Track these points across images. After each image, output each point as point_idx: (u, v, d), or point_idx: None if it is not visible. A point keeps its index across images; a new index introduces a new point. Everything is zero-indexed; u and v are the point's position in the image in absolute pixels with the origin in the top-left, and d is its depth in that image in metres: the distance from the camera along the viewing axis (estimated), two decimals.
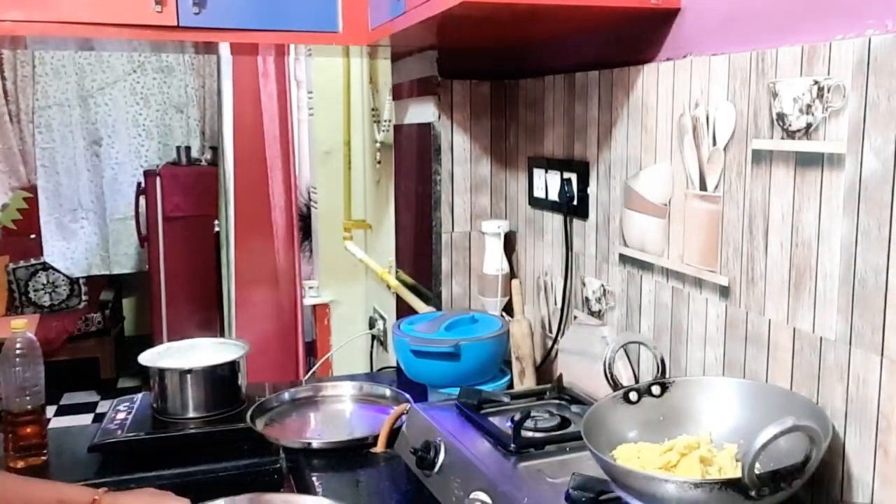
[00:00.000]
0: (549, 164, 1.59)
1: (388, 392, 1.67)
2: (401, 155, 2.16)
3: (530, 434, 1.16)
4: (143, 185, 4.56)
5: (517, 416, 1.15)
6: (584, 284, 1.50)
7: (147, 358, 1.63)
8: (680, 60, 1.17)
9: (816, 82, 0.91)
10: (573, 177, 1.50)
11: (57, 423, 4.21)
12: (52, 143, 4.90)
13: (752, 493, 0.79)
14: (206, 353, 1.67)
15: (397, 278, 2.23)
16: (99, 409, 4.50)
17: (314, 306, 3.16)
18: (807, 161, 0.94)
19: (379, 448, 1.39)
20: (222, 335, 3.29)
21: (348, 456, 1.38)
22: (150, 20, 1.49)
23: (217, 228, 3.92)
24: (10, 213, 4.92)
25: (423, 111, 1.88)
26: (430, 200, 1.84)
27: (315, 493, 1.26)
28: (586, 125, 1.45)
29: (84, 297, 4.92)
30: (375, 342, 2.71)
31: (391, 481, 1.31)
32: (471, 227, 1.82)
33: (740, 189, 1.06)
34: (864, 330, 0.88)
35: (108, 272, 5.05)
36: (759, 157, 1.02)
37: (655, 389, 1.06)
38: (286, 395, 1.66)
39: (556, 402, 1.34)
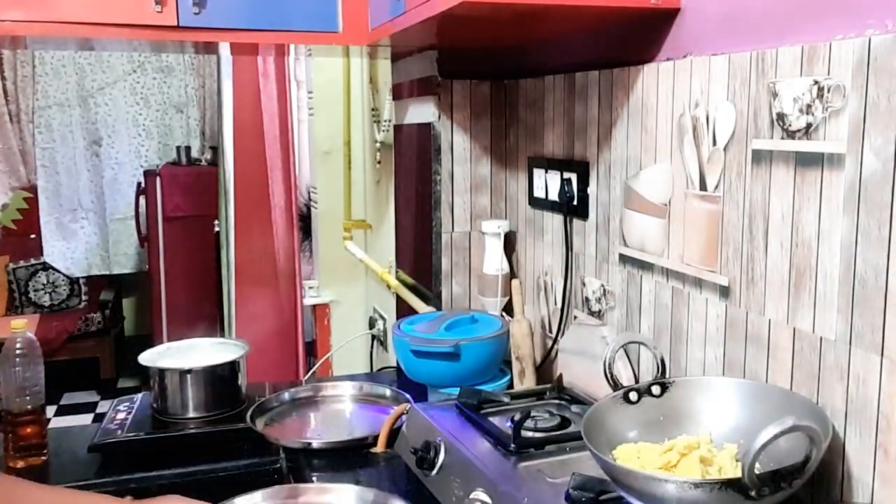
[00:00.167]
0: (549, 164, 1.59)
1: (388, 392, 1.67)
2: (401, 155, 2.16)
3: (530, 434, 1.16)
4: (143, 185, 4.56)
5: (517, 416, 1.15)
6: (584, 284, 1.50)
7: (147, 358, 1.63)
8: (680, 60, 1.17)
9: (816, 82, 0.92)
10: (573, 177, 1.50)
11: (57, 423, 4.21)
12: (52, 143, 4.90)
13: (752, 493, 0.79)
14: (206, 353, 1.67)
15: (397, 278, 2.23)
16: (99, 409, 4.50)
17: (314, 306, 3.16)
18: (807, 161, 0.94)
19: (379, 448, 1.39)
20: (222, 335, 3.29)
21: (348, 456, 1.38)
22: (150, 20, 1.49)
23: (217, 228, 3.92)
24: (10, 213, 4.92)
25: (423, 111, 1.88)
26: (430, 200, 1.84)
27: None
28: (586, 125, 1.45)
29: (84, 297, 4.92)
30: (375, 342, 2.71)
31: (391, 481, 1.30)
32: (471, 227, 1.82)
33: (740, 189, 1.06)
34: (864, 330, 0.88)
35: (108, 272, 5.05)
36: (759, 157, 1.02)
37: (655, 389, 1.06)
38: (286, 395, 1.66)
39: (556, 402, 1.34)
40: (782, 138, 0.97)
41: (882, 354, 0.85)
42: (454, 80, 1.76)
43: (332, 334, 3.11)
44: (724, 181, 1.09)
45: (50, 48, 3.96)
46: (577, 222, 1.51)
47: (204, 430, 1.52)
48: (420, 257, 1.98)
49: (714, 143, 1.10)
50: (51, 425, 1.49)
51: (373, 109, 2.66)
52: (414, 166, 2.00)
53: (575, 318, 1.54)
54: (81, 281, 4.93)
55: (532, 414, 1.22)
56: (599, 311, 1.45)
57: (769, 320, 1.02)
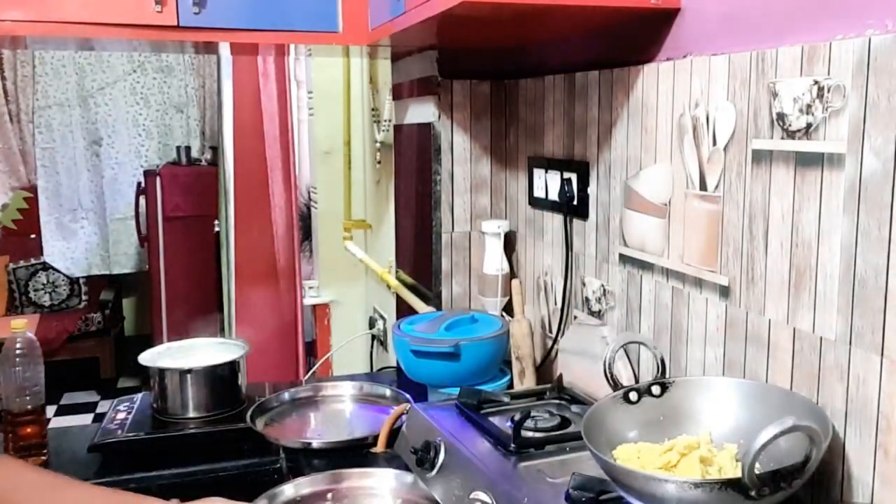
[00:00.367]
0: (549, 164, 1.59)
1: (388, 392, 1.67)
2: (401, 155, 2.16)
3: (530, 434, 1.16)
4: (143, 184, 4.56)
5: (517, 416, 1.15)
6: (584, 284, 1.50)
7: (147, 358, 1.63)
8: (680, 60, 1.17)
9: (816, 82, 0.92)
10: (573, 177, 1.50)
11: (57, 423, 4.21)
12: (52, 143, 4.90)
13: (752, 493, 0.79)
14: (206, 353, 1.67)
15: (397, 278, 2.23)
16: (99, 409, 4.50)
17: (314, 306, 3.16)
18: (807, 161, 0.94)
19: (379, 448, 1.39)
20: (222, 335, 3.29)
21: (348, 456, 1.38)
22: (150, 20, 1.49)
23: (217, 228, 3.92)
24: (10, 213, 4.92)
25: (423, 111, 1.88)
26: (430, 200, 1.84)
27: None
28: (586, 125, 1.45)
29: (84, 297, 4.92)
30: (375, 342, 2.71)
31: None
32: (471, 227, 1.82)
33: (740, 189, 1.06)
34: (864, 330, 0.88)
35: (108, 272, 5.05)
36: (759, 157, 1.02)
37: (655, 389, 1.06)
38: (286, 395, 1.66)
39: (556, 402, 1.34)
40: (782, 138, 0.97)
41: (882, 354, 0.85)
42: (454, 80, 1.76)
43: (332, 334, 3.11)
44: (724, 181, 1.09)
45: (50, 48, 3.96)
46: (577, 222, 1.51)
47: (204, 430, 1.52)
48: (420, 257, 1.98)
49: (714, 143, 1.10)
50: (51, 425, 1.49)
51: (373, 109, 2.66)
52: (414, 166, 2.00)
53: (575, 318, 1.54)
54: (81, 281, 4.93)
55: (532, 414, 1.22)
56: (599, 311, 1.45)
57: (769, 320, 1.02)
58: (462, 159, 1.79)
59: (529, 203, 1.71)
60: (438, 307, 1.83)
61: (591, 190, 1.45)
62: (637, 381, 1.31)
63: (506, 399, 1.34)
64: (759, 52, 1.01)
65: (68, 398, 4.67)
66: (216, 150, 3.92)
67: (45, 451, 1.44)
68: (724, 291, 1.10)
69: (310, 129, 3.39)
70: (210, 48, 2.26)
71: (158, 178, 4.43)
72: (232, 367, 1.62)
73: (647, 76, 1.26)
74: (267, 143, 3.05)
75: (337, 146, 2.99)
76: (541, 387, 1.45)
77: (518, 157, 1.76)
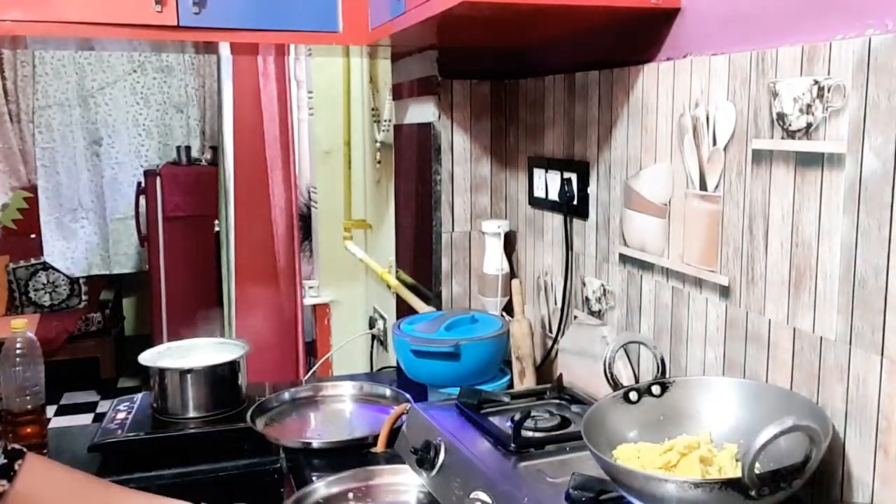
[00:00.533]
0: (549, 163, 1.59)
1: (388, 392, 1.67)
2: (401, 155, 2.16)
3: (530, 434, 1.16)
4: (143, 184, 4.57)
5: (517, 416, 1.15)
6: (584, 284, 1.50)
7: (147, 358, 1.63)
8: (680, 60, 1.17)
9: (816, 82, 0.91)
10: (573, 177, 1.50)
11: (57, 422, 4.21)
12: (52, 142, 4.91)
13: (752, 493, 0.79)
14: (206, 353, 1.68)
15: (397, 278, 2.23)
16: (99, 409, 4.50)
17: (314, 306, 3.16)
18: (807, 161, 0.94)
19: (379, 448, 1.39)
20: (222, 335, 3.29)
21: (348, 456, 1.38)
22: (150, 20, 1.49)
23: (217, 228, 3.92)
24: (11, 212, 4.92)
25: (423, 111, 1.88)
26: (430, 200, 1.84)
27: None
28: (586, 125, 1.45)
29: (84, 297, 4.92)
30: (375, 342, 2.71)
31: None
32: (471, 226, 1.82)
33: (740, 189, 1.06)
34: (864, 330, 0.88)
35: (108, 272, 5.05)
36: (759, 156, 1.02)
37: (655, 389, 1.06)
38: (286, 395, 1.66)
39: (556, 402, 1.34)
40: (782, 138, 0.97)
41: (882, 354, 0.85)
42: (454, 80, 1.76)
43: (332, 334, 3.11)
44: (724, 181, 1.09)
45: (50, 48, 3.96)
46: (577, 222, 1.51)
47: (204, 430, 1.52)
48: (420, 257, 1.98)
49: (714, 143, 1.10)
50: (51, 425, 1.50)
51: (373, 109, 2.66)
52: (414, 166, 2.00)
53: (575, 317, 1.54)
54: (81, 281, 4.93)
55: (532, 414, 1.22)
56: (599, 310, 1.45)
57: (769, 320, 1.02)
58: (462, 159, 1.79)
59: (529, 203, 1.71)
60: (438, 307, 1.83)
61: (591, 190, 1.45)
62: (637, 381, 1.31)
63: (506, 399, 1.34)
64: (759, 52, 1.01)
65: (68, 398, 4.67)
66: (216, 150, 3.92)
67: (45, 451, 1.44)
68: (724, 291, 1.10)
69: (310, 129, 3.39)
70: (210, 48, 2.26)
71: (158, 178, 4.43)
72: (232, 367, 1.62)
73: (647, 76, 1.26)
74: (267, 143, 3.05)
75: (337, 146, 2.99)
76: (541, 387, 1.45)
77: (518, 157, 1.76)
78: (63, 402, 4.63)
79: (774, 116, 0.98)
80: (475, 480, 1.06)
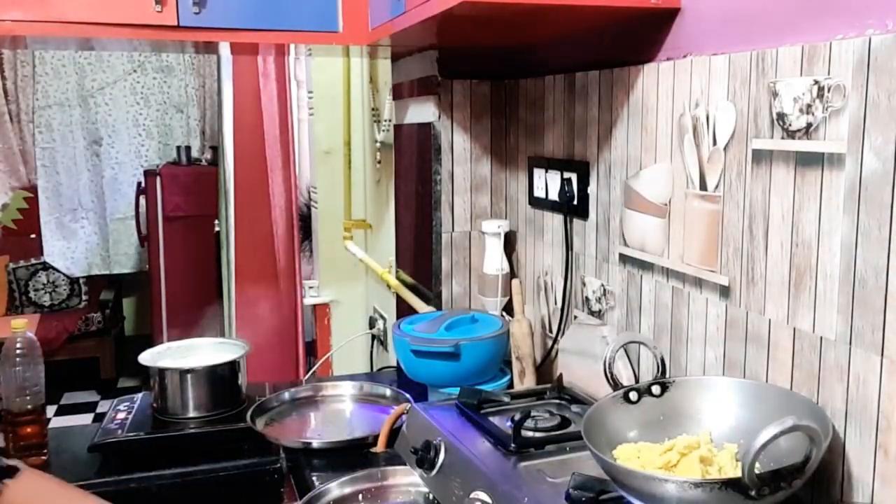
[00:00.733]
0: (549, 163, 1.59)
1: (388, 392, 1.68)
2: (401, 155, 2.16)
3: (530, 434, 1.16)
4: (143, 184, 4.57)
5: (517, 416, 1.15)
6: (584, 284, 1.50)
7: (147, 358, 1.63)
8: (680, 60, 1.17)
9: (816, 82, 0.91)
10: (573, 177, 1.50)
11: (57, 422, 4.21)
12: (52, 142, 4.91)
13: (752, 493, 0.79)
14: (206, 353, 1.68)
15: (397, 278, 2.23)
16: (99, 409, 4.50)
17: (314, 306, 3.16)
18: (807, 161, 0.94)
19: (379, 448, 1.39)
20: (222, 335, 3.29)
21: (348, 456, 1.38)
22: (150, 20, 1.49)
23: (217, 228, 3.92)
24: (11, 212, 4.92)
25: (423, 111, 1.88)
26: (430, 200, 1.84)
27: None
28: (586, 125, 1.45)
29: (84, 297, 4.92)
30: (375, 342, 2.71)
31: None
32: (471, 226, 1.82)
33: (740, 189, 1.06)
34: (864, 330, 0.88)
35: (108, 272, 5.05)
36: (759, 156, 1.02)
37: (655, 389, 1.06)
38: (286, 395, 1.66)
39: (556, 401, 1.34)
40: (782, 138, 0.97)
41: (882, 354, 0.85)
42: (454, 80, 1.76)
43: (332, 334, 3.11)
44: (724, 181, 1.09)
45: (50, 48, 3.96)
46: (577, 222, 1.51)
47: (204, 430, 1.52)
48: (420, 257, 1.98)
49: (714, 143, 1.10)
50: (51, 425, 1.49)
51: (373, 109, 2.66)
52: (414, 166, 2.00)
53: (575, 317, 1.54)
54: (81, 281, 4.93)
55: (532, 414, 1.22)
56: (599, 310, 1.45)
57: (769, 320, 1.02)
58: (462, 159, 1.79)
59: (529, 203, 1.71)
60: (438, 307, 1.83)
61: (591, 190, 1.45)
62: (637, 380, 1.31)
63: (506, 399, 1.34)
64: (759, 52, 1.01)
65: (68, 398, 4.67)
66: (216, 150, 3.92)
67: (45, 450, 1.44)
68: (724, 291, 1.10)
69: (310, 129, 3.39)
70: (210, 48, 2.26)
71: (158, 178, 4.43)
72: (232, 367, 1.62)
73: (647, 76, 1.26)
74: (267, 143, 3.05)
75: (337, 146, 2.99)
76: (541, 387, 1.45)
77: (518, 157, 1.76)
78: (63, 402, 4.63)
79: (774, 116, 0.98)
80: (475, 480, 1.06)
